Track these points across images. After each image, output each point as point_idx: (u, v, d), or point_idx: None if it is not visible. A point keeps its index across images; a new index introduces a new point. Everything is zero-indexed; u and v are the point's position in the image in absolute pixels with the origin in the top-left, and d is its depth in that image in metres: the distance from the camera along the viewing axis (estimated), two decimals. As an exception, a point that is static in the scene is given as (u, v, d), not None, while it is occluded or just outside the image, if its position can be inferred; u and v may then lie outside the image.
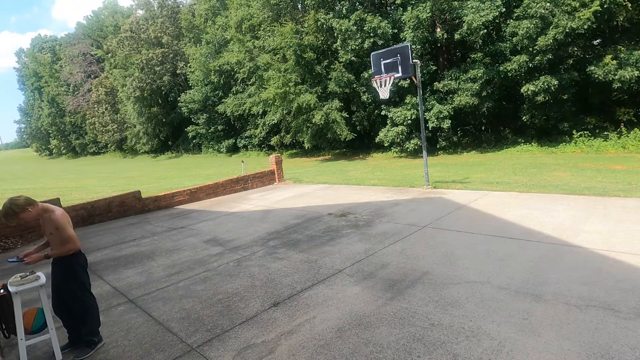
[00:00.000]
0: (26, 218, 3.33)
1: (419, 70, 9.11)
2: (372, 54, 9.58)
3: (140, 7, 42.11)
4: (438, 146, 20.13)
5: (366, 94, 21.25)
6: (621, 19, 15.27)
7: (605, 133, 16.77)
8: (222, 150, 34.83)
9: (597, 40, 17.46)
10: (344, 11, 21.12)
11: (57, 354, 3.36)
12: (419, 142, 18.96)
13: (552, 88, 15.93)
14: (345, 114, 22.02)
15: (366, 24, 19.07)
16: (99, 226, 9.19)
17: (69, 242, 3.38)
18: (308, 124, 22.28)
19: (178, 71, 38.02)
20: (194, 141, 38.24)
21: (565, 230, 5.45)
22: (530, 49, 16.12)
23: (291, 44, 21.75)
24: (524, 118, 18.11)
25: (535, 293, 3.73)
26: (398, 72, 8.91)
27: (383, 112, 20.29)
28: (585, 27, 14.66)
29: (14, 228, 7.98)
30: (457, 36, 17.68)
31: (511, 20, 16.91)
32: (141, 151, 46.27)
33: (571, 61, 16.65)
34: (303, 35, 22.43)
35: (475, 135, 21.15)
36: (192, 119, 36.01)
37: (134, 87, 38.06)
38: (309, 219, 7.65)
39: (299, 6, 25.42)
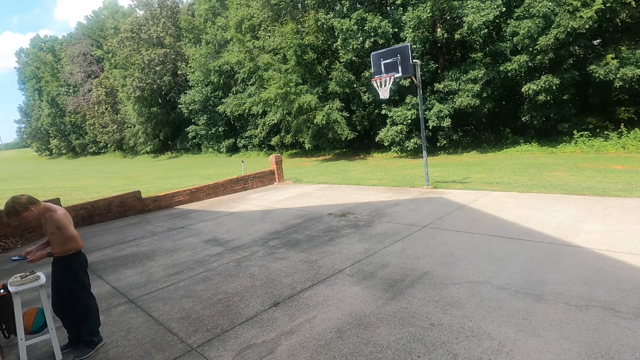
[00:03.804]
0: (28, 217, 3.33)
1: (419, 70, 9.12)
2: (372, 53, 9.58)
3: (139, 7, 42.11)
4: (438, 145, 20.12)
5: (366, 93, 21.26)
6: (624, 15, 15.22)
7: (606, 133, 16.77)
8: (222, 150, 34.85)
9: (597, 40, 17.47)
10: (345, 10, 21.14)
11: (57, 354, 3.36)
12: (418, 141, 18.96)
13: (554, 87, 15.92)
14: (345, 114, 22.04)
15: (367, 24, 19.08)
16: (99, 226, 9.19)
17: (72, 241, 3.38)
18: (309, 124, 22.29)
19: (179, 71, 38.01)
20: (193, 141, 38.25)
21: (565, 230, 5.45)
22: (531, 48, 16.12)
23: (292, 45, 21.76)
24: (523, 118, 18.11)
25: (535, 293, 3.73)
26: (398, 72, 8.92)
27: (383, 112, 20.29)
28: (587, 26, 14.66)
29: (14, 228, 7.98)
30: (457, 36, 17.69)
31: (512, 20, 16.91)
32: (141, 151, 46.30)
33: (571, 61, 16.66)
34: (303, 35, 22.43)
35: (476, 135, 21.15)
36: (192, 119, 36.02)
37: (134, 87, 38.07)
38: (309, 219, 7.65)
39: (299, 6, 25.42)
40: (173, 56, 38.07)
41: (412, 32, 18.00)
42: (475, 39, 17.83)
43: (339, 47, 20.57)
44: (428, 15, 17.33)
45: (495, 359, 2.82)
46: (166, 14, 39.14)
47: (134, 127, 44.17)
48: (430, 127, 18.69)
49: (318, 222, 7.33)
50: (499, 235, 5.50)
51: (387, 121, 20.14)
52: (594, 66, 15.44)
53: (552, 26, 15.48)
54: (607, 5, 14.44)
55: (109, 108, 48.54)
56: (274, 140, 28.24)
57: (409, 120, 18.98)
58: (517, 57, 16.66)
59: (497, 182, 9.97)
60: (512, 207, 6.98)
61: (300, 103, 21.33)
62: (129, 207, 10.11)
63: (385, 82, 9.11)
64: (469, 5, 16.82)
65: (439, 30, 18.88)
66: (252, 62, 25.89)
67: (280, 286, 4.49)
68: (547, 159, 14.79)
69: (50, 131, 67.05)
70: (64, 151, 67.71)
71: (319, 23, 21.19)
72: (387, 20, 19.20)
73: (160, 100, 40.42)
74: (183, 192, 11.11)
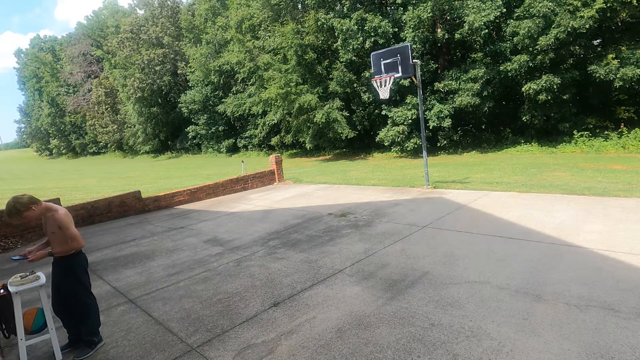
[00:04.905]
0: (30, 217, 3.33)
1: (419, 70, 9.12)
2: (372, 53, 9.58)
3: (140, 6, 42.09)
4: (439, 145, 20.12)
5: (367, 93, 21.28)
6: (624, 15, 15.21)
7: (606, 133, 16.77)
8: (222, 150, 34.86)
9: (598, 40, 17.48)
10: (345, 10, 21.15)
11: (57, 354, 3.36)
12: (418, 141, 18.96)
13: (555, 87, 15.92)
14: (345, 113, 22.04)
15: (367, 24, 19.07)
16: (99, 226, 9.20)
17: (73, 240, 3.38)
18: (309, 124, 22.29)
19: (179, 71, 38.00)
20: (193, 141, 38.25)
21: (565, 230, 5.45)
22: (531, 48, 16.12)
23: (292, 45, 21.76)
24: (524, 118, 18.11)
25: (535, 293, 3.73)
26: (398, 72, 8.91)
27: (383, 112, 20.29)
28: (587, 26, 14.66)
29: (14, 228, 7.98)
30: (457, 36, 17.69)
31: (512, 20, 16.91)
32: (141, 151, 46.29)
33: (571, 61, 16.66)
34: (304, 35, 22.43)
35: (476, 135, 21.15)
36: (192, 119, 36.01)
37: (134, 87, 38.05)
38: (309, 219, 7.65)
39: (299, 6, 25.43)
40: (172, 56, 38.05)
41: (412, 32, 18.00)
42: (476, 39, 17.82)
43: (339, 47, 20.57)
44: (428, 15, 17.33)
45: (495, 359, 2.82)
46: (166, 13, 39.12)
47: (134, 127, 44.16)
48: (430, 127, 18.69)
49: (318, 222, 7.33)
50: (499, 235, 5.50)
51: (388, 121, 20.13)
52: (595, 66, 15.44)
53: (553, 26, 15.48)
54: (608, 4, 14.44)
55: (108, 108, 48.52)
56: (274, 140, 28.24)
57: (410, 121, 18.97)
58: (517, 57, 16.67)
59: (497, 182, 9.97)
60: (512, 207, 6.98)
61: (300, 103, 21.33)
62: (129, 207, 10.11)
63: (385, 82, 9.11)
64: (470, 5, 16.82)
65: (439, 30, 18.87)
66: (252, 62, 25.89)
67: (280, 286, 4.49)
68: (547, 159, 14.79)
69: (50, 131, 67.02)
70: (64, 151, 67.69)
71: (319, 23, 21.18)
72: (387, 20, 19.20)
73: (160, 100, 40.40)
74: (183, 192, 11.11)
